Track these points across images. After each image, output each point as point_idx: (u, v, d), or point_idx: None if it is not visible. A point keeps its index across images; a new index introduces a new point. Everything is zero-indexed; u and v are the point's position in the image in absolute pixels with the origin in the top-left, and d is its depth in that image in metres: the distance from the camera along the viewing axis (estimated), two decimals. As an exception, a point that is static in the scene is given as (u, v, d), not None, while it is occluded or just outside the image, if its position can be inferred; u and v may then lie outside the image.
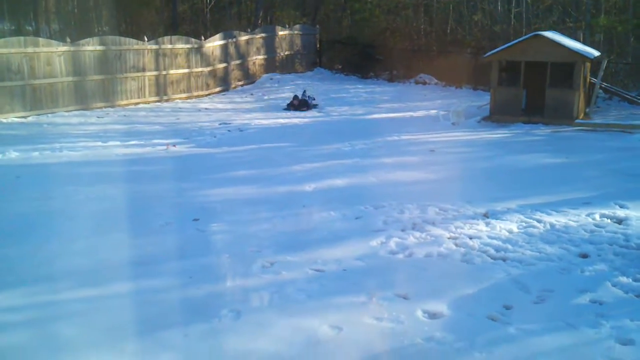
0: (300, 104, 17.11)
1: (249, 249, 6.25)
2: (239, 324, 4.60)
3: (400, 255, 6.08)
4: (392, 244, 6.37)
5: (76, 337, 4.41)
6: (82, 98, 16.38)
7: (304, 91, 17.75)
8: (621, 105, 16.97)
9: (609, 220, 7.07)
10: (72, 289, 5.33)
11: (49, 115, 15.33)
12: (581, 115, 14.55)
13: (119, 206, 7.92)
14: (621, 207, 7.59)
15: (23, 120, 14.68)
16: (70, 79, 15.98)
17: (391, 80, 23.93)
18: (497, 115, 14.64)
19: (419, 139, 12.88)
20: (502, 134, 13.39)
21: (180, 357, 4.13)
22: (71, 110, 16.00)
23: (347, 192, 8.54)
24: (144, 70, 17.93)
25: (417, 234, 6.67)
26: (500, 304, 4.91)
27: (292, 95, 18.00)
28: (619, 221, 7.04)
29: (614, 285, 5.24)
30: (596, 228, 6.79)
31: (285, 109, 17.01)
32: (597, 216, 7.21)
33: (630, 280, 5.34)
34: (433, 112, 16.11)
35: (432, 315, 4.71)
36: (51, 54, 15.53)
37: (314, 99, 17.84)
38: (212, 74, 20.54)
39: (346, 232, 6.82)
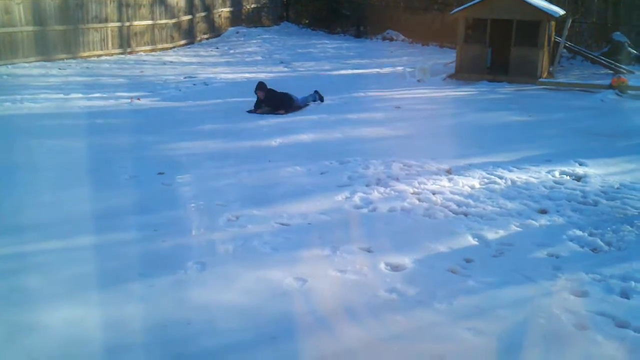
0: (275, 104, 11.08)
1: (215, 203, 6.26)
2: (204, 276, 4.64)
3: (365, 210, 6.15)
4: (357, 198, 6.44)
5: (40, 289, 4.39)
6: (43, 49, 15.96)
7: (315, 92, 12.04)
8: (584, 64, 17.20)
9: (568, 178, 7.24)
10: (35, 241, 5.29)
11: (9, 66, 14.93)
12: (545, 74, 14.72)
13: (83, 159, 7.82)
14: (581, 164, 7.76)
15: (-19, 70, 14.27)
16: (30, 28, 15.54)
17: (358, 36, 23.82)
18: (463, 73, 14.73)
19: (385, 96, 12.90)
20: (467, 91, 13.49)
21: (145, 307, 4.16)
22: (32, 62, 15.60)
23: (313, 148, 8.56)
24: (106, 20, 17.53)
25: (382, 189, 6.74)
26: (461, 257, 5.03)
27: (258, 52, 15.91)
28: (578, 178, 7.21)
29: (570, 240, 5.39)
30: (556, 185, 6.94)
31: (249, 112, 11.14)
32: (557, 173, 7.37)
33: (586, 235, 5.50)
34: (399, 69, 16.12)
35: (395, 268, 4.81)
36: (9, 2, 15.06)
37: (315, 100, 11.96)
38: (177, 26, 20.18)
39: (311, 186, 6.86)
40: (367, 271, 4.73)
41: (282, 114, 10.87)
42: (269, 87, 11.18)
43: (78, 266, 4.80)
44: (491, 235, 5.49)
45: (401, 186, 6.84)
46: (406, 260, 4.93)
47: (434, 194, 6.58)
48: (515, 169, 7.48)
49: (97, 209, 6.05)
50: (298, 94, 11.53)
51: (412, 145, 8.72)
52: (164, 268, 4.75)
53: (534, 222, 5.82)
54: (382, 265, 4.84)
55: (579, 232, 5.55)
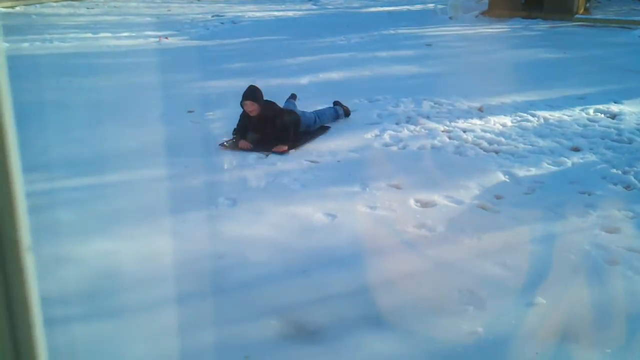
0: (274, 129, 6.18)
1: (244, 141, 6.27)
2: (235, 211, 4.69)
3: (394, 148, 6.12)
4: (386, 136, 6.40)
5: (73, 223, 4.49)
6: (70, -12, 15.90)
7: (335, 104, 7.21)
8: (622, 0, 16.62)
9: (602, 115, 7.09)
10: (68, 177, 5.38)
11: (37, 6, 14.95)
12: (581, 10, 14.27)
13: (113, 97, 7.88)
14: (616, 102, 7.59)
15: (10, 10, 14.30)
16: (57, -33, 15.46)
17: (388, -27, 23.24)
18: (496, 10, 14.34)
19: (416, 33, 12.67)
20: (500, 28, 13.17)
21: (177, 241, 4.23)
22: (60, 1, 15.57)
23: (342, 86, 8.49)
24: (133, -42, 17.32)
25: (411, 127, 6.69)
26: (491, 194, 5.00)
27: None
28: (613, 116, 7.06)
29: (603, 178, 5.32)
30: (589, 122, 6.82)
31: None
32: (591, 111, 7.22)
33: (620, 172, 5.41)
34: (431, 5, 15.76)
35: (424, 204, 4.81)
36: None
37: (337, 117, 7.05)
38: (204, -37, 19.86)
39: (341, 124, 6.83)
40: (396, 207, 4.74)
41: (283, 152, 5.96)
42: (265, 97, 6.36)
43: (110, 202, 4.89)
44: (522, 172, 5.43)
45: (431, 124, 6.77)
46: (436, 197, 4.92)
47: (464, 131, 6.51)
48: (548, 107, 7.35)
49: (128, 146, 6.11)
50: (326, 32, 11.32)
51: (443, 83, 8.59)
52: (195, 203, 4.80)
53: (566, 159, 5.74)
54: (411, 202, 4.84)
55: (612, 170, 5.47)
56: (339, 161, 5.78)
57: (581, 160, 5.74)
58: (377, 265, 3.89)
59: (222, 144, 6.17)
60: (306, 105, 7.11)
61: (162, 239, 4.28)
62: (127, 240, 4.26)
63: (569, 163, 5.68)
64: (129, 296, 3.56)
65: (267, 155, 5.91)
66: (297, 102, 7.14)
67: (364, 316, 3.35)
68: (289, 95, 7.34)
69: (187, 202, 4.84)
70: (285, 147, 6.01)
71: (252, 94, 6.19)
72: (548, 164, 5.65)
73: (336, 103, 7.19)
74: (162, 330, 3.20)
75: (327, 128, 6.73)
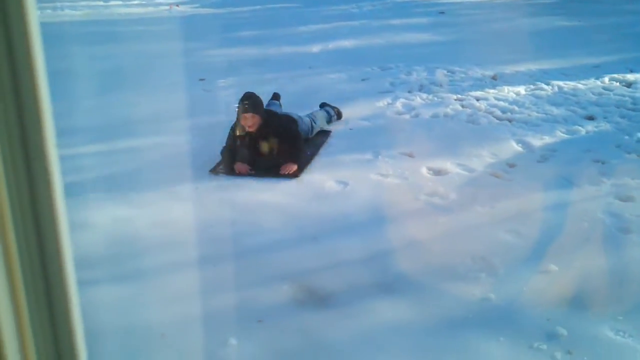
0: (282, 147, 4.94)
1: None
2: (248, 179, 4.70)
3: (407, 116, 6.09)
4: (399, 104, 6.36)
5: (88, 189, 4.51)
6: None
7: (323, 105, 6.11)
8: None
9: (618, 84, 7.01)
10: (82, 144, 5.39)
11: (47, -27, 14.86)
12: (598, -22, 14.02)
13: (125, 65, 7.87)
14: (631, 71, 7.50)
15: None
16: None
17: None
18: (511, -23, 14.12)
19: (429, 1, 12.52)
20: (514, -4, 12.99)
21: (190, 208, 4.25)
22: (70, -32, 15.48)
23: (354, 54, 8.43)
24: None
25: (424, 95, 6.65)
26: (504, 162, 4.98)
27: None
28: (628, 84, 6.98)
29: (617, 146, 5.27)
30: (604, 91, 6.74)
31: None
32: (606, 79, 7.14)
33: (634, 141, 5.36)
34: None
35: (437, 172, 4.79)
36: None
37: (330, 120, 5.90)
38: None
39: (353, 93, 6.79)
40: (408, 175, 4.73)
41: (294, 175, 4.75)
42: (267, 104, 5.56)
43: (123, 167, 4.90)
44: (536, 141, 5.39)
45: (444, 92, 6.72)
46: (448, 165, 4.90)
47: (477, 100, 6.46)
48: (562, 76, 7.28)
49: (141, 113, 6.11)
50: (337, 0, 11.21)
51: (456, 51, 8.50)
52: (207, 171, 4.81)
53: (580, 128, 5.69)
54: (424, 170, 4.83)
55: (626, 138, 5.42)
56: (351, 129, 5.76)
57: (595, 129, 5.69)
58: (389, 232, 3.89)
59: (212, 170, 4.81)
60: (318, 77, 7.07)
61: (177, 206, 4.30)
62: (142, 207, 4.28)
63: (583, 131, 5.63)
64: (144, 261, 3.59)
65: (274, 178, 4.71)
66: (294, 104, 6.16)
67: (375, 282, 3.36)
68: (271, 95, 6.22)
69: (200, 169, 4.84)
70: (295, 167, 4.77)
71: (252, 104, 4.80)
72: (562, 132, 5.60)
73: (324, 104, 6.08)
74: (177, 293, 3.23)
75: (328, 133, 5.61)
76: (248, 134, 4.83)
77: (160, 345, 2.86)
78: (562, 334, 2.88)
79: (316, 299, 3.23)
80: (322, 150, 5.22)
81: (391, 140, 5.42)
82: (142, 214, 4.16)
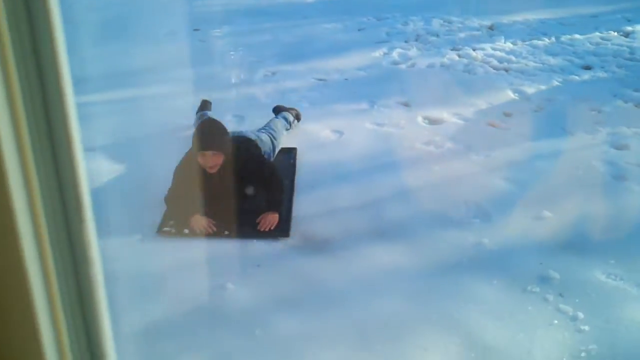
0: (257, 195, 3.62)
1: (251, 59, 6.20)
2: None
3: (403, 66, 6.05)
4: (395, 54, 6.31)
5: (88, 140, 4.48)
6: None
7: (278, 114, 4.55)
8: None
9: (615, 34, 6.95)
10: (82, 94, 5.33)
11: None
12: None
13: (122, 15, 7.76)
14: (629, 21, 7.43)
15: None
16: None
17: None
18: None
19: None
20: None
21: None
22: None
23: (350, 4, 8.32)
24: None
25: (420, 45, 6.59)
26: (500, 111, 4.97)
27: None
28: (626, 34, 6.92)
29: (614, 95, 5.26)
30: (602, 41, 6.69)
31: None
32: (604, 29, 7.07)
33: (631, 90, 5.34)
34: None
35: (432, 122, 4.78)
36: None
37: (288, 126, 4.49)
38: None
39: (348, 43, 6.72)
40: (404, 124, 4.72)
41: (277, 233, 3.36)
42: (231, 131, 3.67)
43: (124, 118, 4.86)
44: (532, 90, 5.37)
45: (441, 42, 6.66)
46: (444, 114, 4.89)
47: (474, 50, 6.41)
48: (560, 26, 7.21)
49: (139, 63, 6.05)
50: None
51: (453, 0, 8.39)
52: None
53: (577, 77, 5.67)
54: (419, 119, 4.82)
55: (623, 88, 5.40)
56: (346, 79, 5.72)
57: (592, 78, 5.67)
58: (384, 180, 3.90)
59: (161, 231, 3.37)
60: (313, 27, 6.96)
61: (174, 159, 4.28)
62: (134, 159, 4.26)
63: (579, 80, 5.61)
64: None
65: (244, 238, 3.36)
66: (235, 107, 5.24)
67: (371, 228, 3.39)
68: (200, 104, 4.83)
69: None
70: (276, 217, 3.44)
71: (215, 138, 3.42)
72: (558, 81, 5.58)
73: (279, 109, 4.68)
74: (177, 241, 3.24)
75: (293, 151, 4.26)
76: (206, 174, 3.42)
77: (160, 290, 2.90)
78: (554, 277, 2.92)
79: (313, 245, 3.26)
80: (317, 94, 5.20)
81: (387, 90, 5.39)
82: (134, 167, 4.16)
